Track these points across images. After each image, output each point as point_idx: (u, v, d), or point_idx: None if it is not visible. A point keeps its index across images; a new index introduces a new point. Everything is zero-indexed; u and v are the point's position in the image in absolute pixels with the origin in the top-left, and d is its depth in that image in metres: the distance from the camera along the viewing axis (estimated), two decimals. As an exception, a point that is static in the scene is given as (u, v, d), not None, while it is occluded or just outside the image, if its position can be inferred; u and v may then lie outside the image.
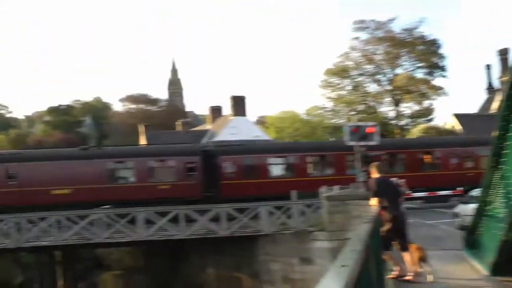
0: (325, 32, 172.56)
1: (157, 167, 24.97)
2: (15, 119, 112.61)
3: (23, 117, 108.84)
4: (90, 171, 24.58)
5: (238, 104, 40.10)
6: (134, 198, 23.11)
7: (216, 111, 44.90)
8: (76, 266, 26.04)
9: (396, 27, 48.73)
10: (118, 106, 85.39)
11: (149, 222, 19.35)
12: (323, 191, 18.58)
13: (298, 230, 18.26)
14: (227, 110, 44.33)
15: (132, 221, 19.40)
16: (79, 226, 19.33)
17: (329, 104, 53.84)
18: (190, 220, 19.42)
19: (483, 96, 56.00)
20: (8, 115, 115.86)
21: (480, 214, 9.65)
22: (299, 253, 17.62)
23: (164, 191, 24.09)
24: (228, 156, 25.58)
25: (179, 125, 52.75)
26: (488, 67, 56.02)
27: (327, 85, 52.00)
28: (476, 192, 13.68)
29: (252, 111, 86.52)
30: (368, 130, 19.02)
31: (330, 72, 51.65)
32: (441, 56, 49.85)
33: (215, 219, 19.31)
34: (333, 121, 53.94)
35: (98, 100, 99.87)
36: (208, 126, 45.85)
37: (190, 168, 24.45)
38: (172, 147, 27.69)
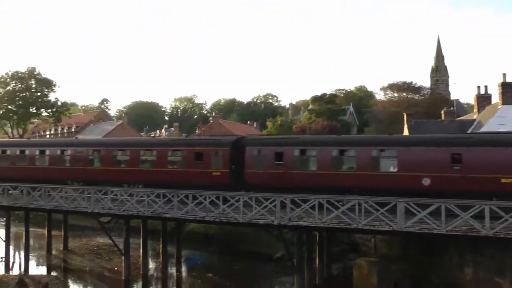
0: None
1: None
2: (283, 107, 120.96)
3: (288, 106, 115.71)
4: None
5: (508, 91, 36.74)
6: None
7: (482, 100, 41.75)
8: (332, 248, 27.80)
9: None
10: (380, 95, 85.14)
11: (407, 213, 19.89)
12: None
13: None
14: (495, 98, 41.05)
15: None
16: (339, 211, 21.22)
17: None
18: (450, 215, 19.09)
19: None
20: (276, 104, 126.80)
21: None
22: None
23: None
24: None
25: (443, 114, 50.47)
26: None
27: None
28: None
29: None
30: None
31: None
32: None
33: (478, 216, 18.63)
34: None
35: (361, 89, 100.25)
36: (474, 116, 42.94)
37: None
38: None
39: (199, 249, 35.18)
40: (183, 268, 31.01)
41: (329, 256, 27.52)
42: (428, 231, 19.47)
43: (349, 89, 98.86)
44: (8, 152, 37.36)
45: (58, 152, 35.45)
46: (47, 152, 35.80)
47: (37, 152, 36.23)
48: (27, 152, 36.53)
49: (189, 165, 29.73)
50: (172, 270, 30.12)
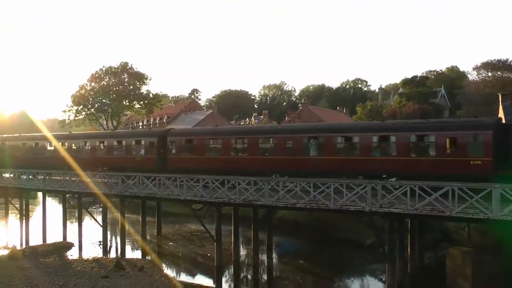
0: None
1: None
2: (372, 92, 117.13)
3: (377, 90, 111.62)
4: None
5: None
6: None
7: None
8: (424, 236, 27.64)
9: None
10: (473, 75, 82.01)
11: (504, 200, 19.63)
12: None
13: None
14: None
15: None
16: (432, 197, 21.11)
17: None
18: None
19: None
20: (365, 89, 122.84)
21: None
22: None
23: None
24: None
25: None
26: None
27: None
28: None
29: None
30: None
31: None
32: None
33: None
34: None
35: (453, 70, 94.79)
36: None
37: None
38: None
39: (290, 236, 35.77)
40: (274, 255, 32.34)
41: (421, 244, 27.80)
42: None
43: (441, 70, 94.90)
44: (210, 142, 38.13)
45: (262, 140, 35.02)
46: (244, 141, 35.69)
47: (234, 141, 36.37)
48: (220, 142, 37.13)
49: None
50: (263, 257, 31.48)
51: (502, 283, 21.09)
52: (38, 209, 44.25)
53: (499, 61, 74.77)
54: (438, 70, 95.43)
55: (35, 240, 35.95)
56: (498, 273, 21.82)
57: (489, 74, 75.70)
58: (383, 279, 25.81)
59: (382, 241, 23.30)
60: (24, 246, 35.02)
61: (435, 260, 27.70)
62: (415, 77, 75.09)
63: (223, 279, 28.43)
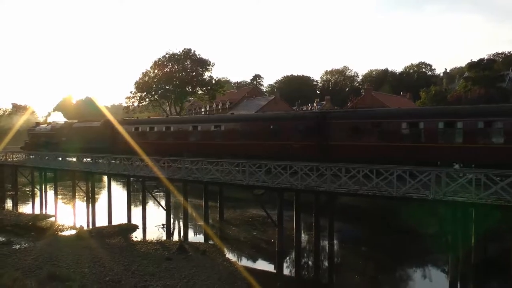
0: None
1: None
2: (437, 76, 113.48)
3: (442, 74, 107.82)
4: None
5: None
6: None
7: None
8: (489, 227, 26.38)
9: None
10: None
11: None
12: None
13: None
14: None
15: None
16: (498, 186, 20.77)
17: None
18: None
19: None
20: (429, 73, 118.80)
21: None
22: None
23: None
24: None
25: None
26: None
27: None
28: None
29: None
30: None
31: None
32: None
33: None
34: None
35: None
36: None
37: None
38: None
39: (352, 222, 35.22)
40: (335, 241, 32.54)
41: (486, 235, 25.97)
42: None
43: (509, 53, 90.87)
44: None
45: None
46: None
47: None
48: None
49: None
50: (324, 243, 31.78)
51: None
52: (103, 192, 46.47)
53: None
54: (506, 52, 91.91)
55: (101, 221, 37.63)
56: None
57: None
58: (446, 270, 25.41)
59: (445, 231, 22.80)
60: (90, 227, 36.75)
61: (501, 252, 27.30)
62: (481, 60, 73.47)
63: (284, 265, 28.97)
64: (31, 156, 49.16)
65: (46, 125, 61.48)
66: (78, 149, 46.08)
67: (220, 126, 40.56)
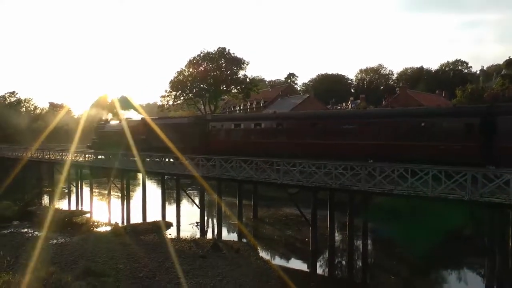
0: None
1: None
2: (473, 74, 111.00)
3: (479, 72, 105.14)
4: None
5: None
6: None
7: None
8: None
9: None
10: None
11: None
12: None
13: None
14: None
15: None
16: None
17: None
18: None
19: None
20: (465, 71, 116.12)
21: None
22: None
23: None
24: None
25: None
26: None
27: None
28: None
29: None
30: None
31: None
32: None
33: None
34: None
35: None
36: None
37: None
38: None
39: (386, 223, 34.71)
40: (369, 241, 32.48)
41: None
42: None
43: None
44: None
45: None
46: None
47: None
48: None
49: None
50: (358, 243, 31.67)
51: None
52: (138, 190, 46.98)
53: None
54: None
55: (136, 218, 38.13)
56: None
57: None
58: (482, 274, 24.82)
59: (482, 233, 22.24)
60: (125, 223, 37.32)
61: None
62: (522, 57, 71.43)
63: (318, 264, 29.01)
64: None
65: (118, 122, 56.64)
66: (161, 149, 40.28)
67: (352, 124, 33.66)
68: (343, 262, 29.71)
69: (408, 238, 32.82)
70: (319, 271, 28.17)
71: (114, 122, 58.00)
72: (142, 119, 52.12)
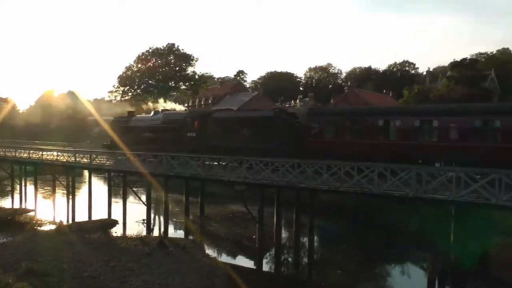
0: None
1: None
2: (420, 75, 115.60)
3: (425, 73, 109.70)
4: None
5: None
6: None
7: None
8: (468, 224, 26.36)
9: None
10: None
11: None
12: None
13: None
14: None
15: None
16: (478, 185, 20.78)
17: None
18: None
19: None
20: (412, 72, 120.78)
21: None
22: None
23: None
24: None
25: None
26: None
27: None
28: None
29: None
30: None
31: None
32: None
33: None
34: None
35: (504, 52, 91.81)
36: None
37: None
38: None
39: (332, 219, 35.35)
40: (316, 238, 32.67)
41: (465, 233, 26.03)
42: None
43: (491, 53, 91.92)
44: None
45: None
46: None
47: None
48: None
49: None
50: (305, 240, 31.77)
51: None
52: (84, 187, 45.67)
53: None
54: (489, 53, 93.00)
55: (81, 216, 37.14)
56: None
57: (545, 56, 73.84)
58: (425, 267, 25.59)
59: (426, 229, 22.99)
60: (70, 222, 36.21)
61: (480, 250, 27.17)
62: (464, 60, 74.22)
63: (264, 261, 28.88)
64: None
65: (151, 114, 46.35)
66: (223, 150, 33.12)
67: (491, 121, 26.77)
68: (290, 259, 29.74)
69: (355, 234, 33.58)
70: (266, 268, 28.05)
71: (141, 116, 49.65)
72: (193, 111, 46.41)
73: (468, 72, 68.46)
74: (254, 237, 30.14)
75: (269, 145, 32.69)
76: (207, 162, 31.26)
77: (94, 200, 38.30)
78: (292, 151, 31.51)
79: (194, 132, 38.59)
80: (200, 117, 39.56)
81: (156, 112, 45.48)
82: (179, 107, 51.73)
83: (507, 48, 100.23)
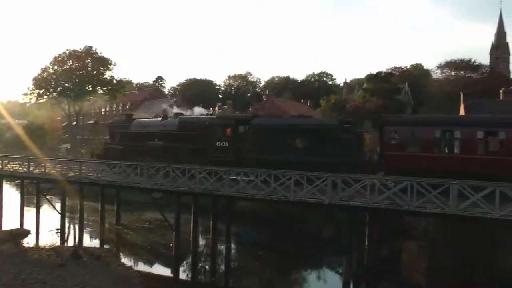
0: None
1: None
2: (337, 86, 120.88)
3: (342, 84, 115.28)
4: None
5: None
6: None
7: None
8: (382, 230, 27.49)
9: None
10: (437, 74, 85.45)
11: (462, 196, 19.74)
12: None
13: None
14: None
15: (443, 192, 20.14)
16: (391, 192, 21.44)
17: None
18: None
19: None
20: (330, 82, 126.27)
21: None
22: None
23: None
24: None
25: (502, 93, 48.93)
26: None
27: None
28: None
29: None
30: None
31: None
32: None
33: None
34: None
35: (417, 67, 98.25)
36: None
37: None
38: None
39: (249, 227, 35.73)
40: (233, 245, 32.75)
41: (378, 237, 27.16)
42: (481, 215, 19.41)
43: (405, 67, 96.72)
44: None
45: None
46: None
47: None
48: None
49: None
50: (222, 247, 31.71)
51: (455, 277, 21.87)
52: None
53: (462, 60, 77.76)
54: (403, 67, 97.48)
55: (-10, 227, 35.45)
56: (453, 265, 22.65)
57: (452, 73, 78.25)
58: (340, 272, 26.39)
59: (341, 234, 23.73)
60: (-23, 233, 34.27)
61: (392, 254, 28.24)
62: (379, 73, 77.49)
63: (181, 269, 28.44)
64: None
65: (172, 117, 37.15)
66: (268, 164, 26.65)
67: None
68: (207, 266, 29.41)
69: (271, 241, 33.98)
70: (182, 276, 27.57)
71: (146, 120, 41.94)
72: (224, 116, 39.38)
73: (383, 84, 71.25)
74: (171, 244, 29.52)
75: (333, 158, 27.30)
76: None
77: (5, 209, 36.35)
78: (361, 166, 27.41)
79: (225, 141, 32.07)
80: (235, 123, 32.73)
81: (165, 116, 38.41)
82: (200, 111, 43.29)
83: (420, 64, 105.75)
